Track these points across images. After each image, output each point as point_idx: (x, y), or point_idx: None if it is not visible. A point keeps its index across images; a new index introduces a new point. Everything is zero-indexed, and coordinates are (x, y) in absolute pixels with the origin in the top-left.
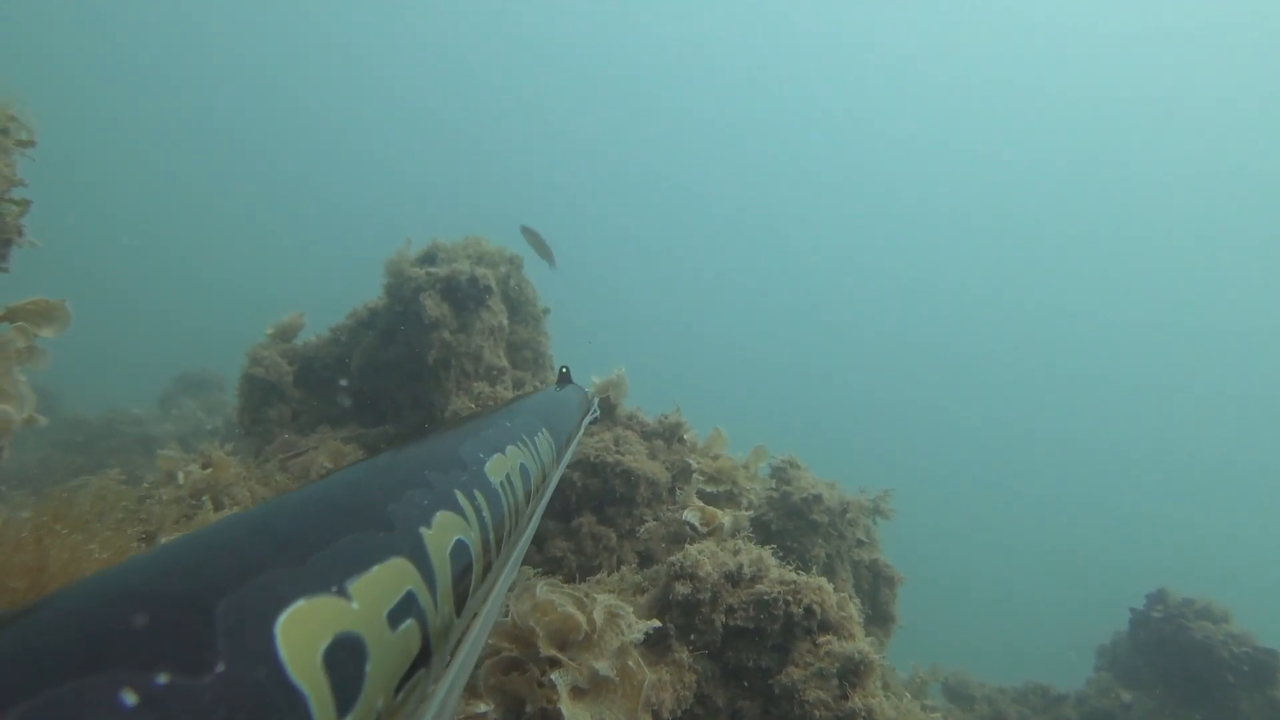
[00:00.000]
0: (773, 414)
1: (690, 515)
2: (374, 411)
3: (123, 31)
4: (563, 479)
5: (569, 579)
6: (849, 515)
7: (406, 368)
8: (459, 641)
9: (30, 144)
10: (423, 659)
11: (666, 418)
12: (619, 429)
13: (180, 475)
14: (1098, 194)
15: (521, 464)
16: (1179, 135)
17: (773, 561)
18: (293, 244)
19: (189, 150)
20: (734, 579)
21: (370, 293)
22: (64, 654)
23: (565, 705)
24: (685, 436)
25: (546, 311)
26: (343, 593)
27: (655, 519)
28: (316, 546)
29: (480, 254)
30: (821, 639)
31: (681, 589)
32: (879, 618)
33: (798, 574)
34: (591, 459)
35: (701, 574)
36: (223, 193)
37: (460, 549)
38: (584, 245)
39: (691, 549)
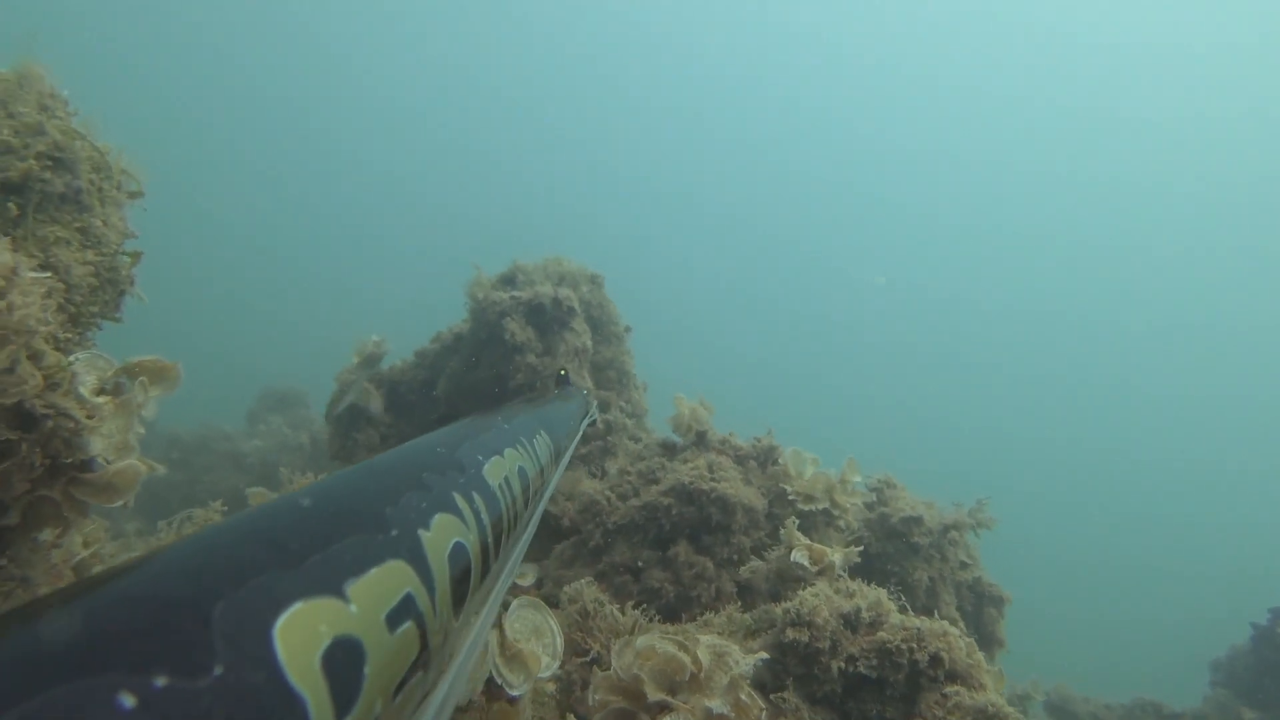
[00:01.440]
0: (851, 434)
1: (799, 556)
2: None
3: (200, 44)
4: (657, 506)
5: (667, 610)
6: (950, 535)
7: (493, 391)
8: (458, 644)
9: (139, 195)
10: (421, 662)
11: (760, 441)
12: (712, 455)
13: None
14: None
15: (520, 466)
16: (1177, 141)
17: (891, 605)
18: (369, 260)
19: (270, 173)
20: (853, 625)
21: (440, 305)
22: (61, 656)
23: None
24: (779, 460)
25: (628, 330)
26: (341, 595)
27: (760, 558)
28: (314, 549)
29: (561, 274)
30: (950, 689)
31: (799, 636)
32: (983, 641)
33: (920, 619)
34: (687, 486)
35: (819, 621)
36: (293, 213)
37: (459, 551)
38: (591, 249)
39: (806, 594)
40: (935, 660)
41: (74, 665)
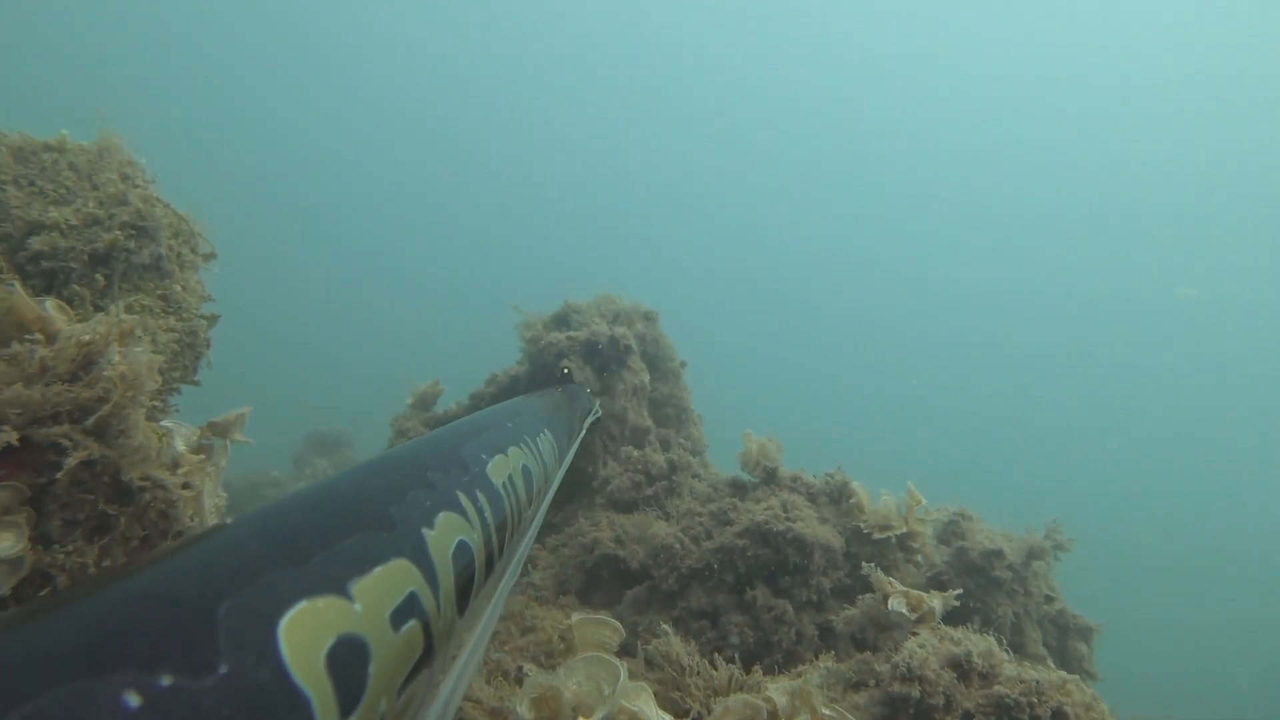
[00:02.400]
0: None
1: (896, 603)
2: None
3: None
4: (732, 548)
5: (747, 655)
6: (1033, 566)
7: None
8: (462, 642)
9: (212, 256)
10: (425, 660)
11: (832, 477)
12: (784, 493)
13: None
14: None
15: (524, 465)
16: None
17: (1003, 655)
18: (412, 301)
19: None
20: (965, 678)
21: (485, 344)
22: (67, 655)
23: None
24: (852, 496)
25: (684, 364)
26: (345, 594)
27: (840, 599)
28: (318, 548)
29: (615, 312)
30: None
31: (909, 691)
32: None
33: (1037, 668)
34: (762, 527)
35: (930, 674)
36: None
37: (463, 550)
38: (585, 247)
39: (913, 646)
40: (1059, 715)
41: (79, 664)
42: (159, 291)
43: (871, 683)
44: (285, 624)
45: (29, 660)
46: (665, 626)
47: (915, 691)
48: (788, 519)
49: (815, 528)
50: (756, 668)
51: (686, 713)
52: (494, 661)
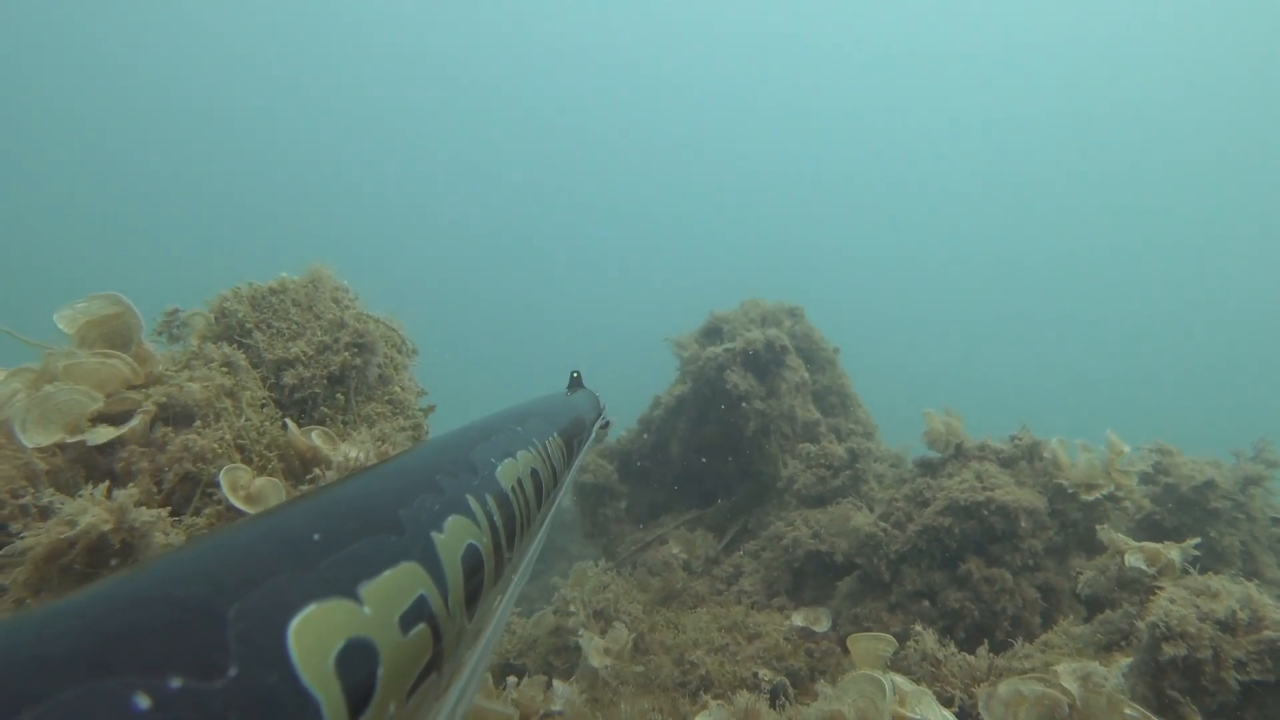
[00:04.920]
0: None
1: (1134, 559)
2: (704, 492)
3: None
4: (936, 527)
5: (975, 629)
6: (1250, 490)
7: (726, 444)
8: (471, 646)
9: (415, 352)
10: (434, 663)
11: (1020, 439)
12: (974, 464)
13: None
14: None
15: (533, 469)
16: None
17: (1267, 599)
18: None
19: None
20: (1229, 628)
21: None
22: (75, 657)
23: None
24: (1045, 454)
25: (837, 350)
26: (354, 597)
27: (1055, 559)
28: (327, 550)
29: (762, 314)
30: None
31: (1174, 651)
32: None
33: None
34: (961, 501)
35: (1191, 630)
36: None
37: (472, 553)
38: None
39: (1164, 603)
40: None
41: (88, 666)
42: (386, 397)
43: (1125, 644)
44: (295, 626)
45: (36, 662)
46: (918, 627)
47: (1181, 650)
48: (985, 489)
49: (1015, 492)
50: (1013, 650)
51: (950, 701)
52: (730, 673)
